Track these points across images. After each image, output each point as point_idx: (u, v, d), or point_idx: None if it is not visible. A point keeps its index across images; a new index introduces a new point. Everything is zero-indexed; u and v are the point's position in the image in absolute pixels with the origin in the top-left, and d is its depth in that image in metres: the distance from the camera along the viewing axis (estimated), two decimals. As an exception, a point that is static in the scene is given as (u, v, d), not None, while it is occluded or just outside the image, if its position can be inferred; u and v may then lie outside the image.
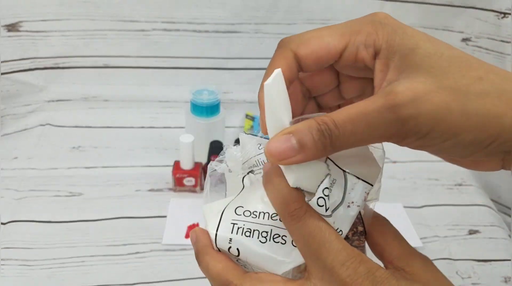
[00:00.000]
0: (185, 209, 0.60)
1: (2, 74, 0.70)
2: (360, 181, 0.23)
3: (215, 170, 0.28)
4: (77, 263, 0.52)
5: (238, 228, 0.23)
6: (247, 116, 0.80)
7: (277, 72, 0.22)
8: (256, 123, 0.79)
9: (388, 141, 0.22)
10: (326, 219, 0.22)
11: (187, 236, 0.56)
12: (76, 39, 0.71)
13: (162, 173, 0.65)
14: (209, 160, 0.62)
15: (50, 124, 0.74)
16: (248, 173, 0.27)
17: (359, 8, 0.74)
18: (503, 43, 0.73)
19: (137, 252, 0.54)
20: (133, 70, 0.75)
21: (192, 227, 0.58)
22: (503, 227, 0.63)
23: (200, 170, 0.62)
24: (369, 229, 0.26)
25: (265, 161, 0.25)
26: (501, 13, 0.71)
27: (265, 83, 0.22)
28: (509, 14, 0.71)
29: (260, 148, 0.26)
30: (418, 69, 0.21)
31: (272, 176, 0.23)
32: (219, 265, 0.24)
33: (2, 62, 0.69)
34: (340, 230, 0.23)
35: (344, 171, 0.23)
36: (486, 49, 0.75)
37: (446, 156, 0.24)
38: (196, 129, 0.64)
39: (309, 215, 0.22)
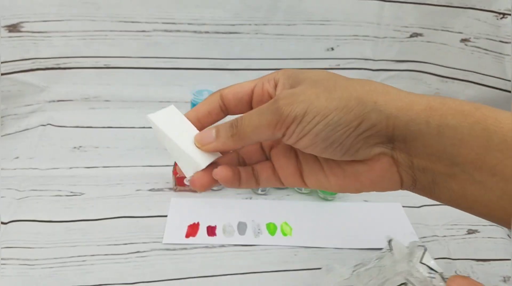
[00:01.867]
0: (185, 209, 0.61)
1: (3, 74, 0.70)
2: None
3: None
4: (78, 262, 0.52)
5: None
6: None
7: (171, 107, 0.35)
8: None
9: (276, 132, 0.27)
10: None
11: (187, 235, 0.56)
12: (77, 40, 0.71)
13: (163, 173, 0.66)
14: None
15: (51, 124, 0.75)
16: None
17: (358, 9, 0.75)
18: (502, 43, 0.73)
19: (138, 252, 0.54)
20: (134, 70, 0.75)
21: (192, 226, 0.58)
22: (502, 227, 0.63)
23: (200, 170, 0.62)
24: None
25: None
26: (500, 13, 0.72)
27: (148, 115, 0.33)
28: (508, 14, 0.71)
29: None
30: (301, 82, 0.27)
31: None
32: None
33: (3, 62, 0.70)
34: None
35: None
36: (485, 49, 0.76)
37: (329, 154, 0.27)
38: (197, 129, 0.64)
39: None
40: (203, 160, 0.30)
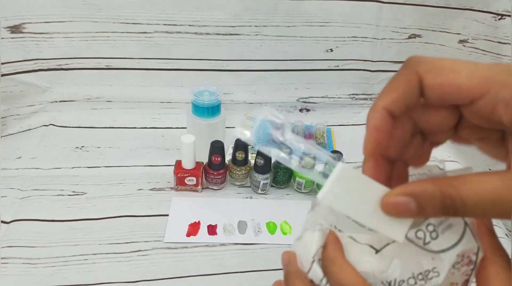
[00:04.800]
0: (186, 208, 0.61)
1: (6, 75, 0.71)
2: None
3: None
4: (80, 261, 0.53)
5: None
6: (247, 116, 0.81)
7: (339, 170, 0.22)
8: (255, 123, 0.80)
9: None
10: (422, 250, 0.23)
11: (188, 234, 0.57)
12: (79, 41, 0.72)
13: (164, 173, 0.66)
14: (210, 160, 0.62)
15: (53, 125, 0.75)
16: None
17: (357, 11, 0.75)
18: (501, 44, 0.74)
19: (139, 250, 0.54)
20: (135, 71, 0.76)
21: (193, 225, 0.58)
22: (500, 226, 0.63)
23: (201, 170, 0.63)
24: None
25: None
26: (498, 14, 0.72)
27: (318, 196, 0.22)
28: (507, 15, 0.72)
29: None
30: None
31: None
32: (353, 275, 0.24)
33: (5, 63, 0.70)
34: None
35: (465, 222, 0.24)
36: (483, 50, 0.76)
37: None
38: (197, 129, 0.65)
39: None
40: (398, 232, 0.22)
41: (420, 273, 0.23)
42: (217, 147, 0.61)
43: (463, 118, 0.22)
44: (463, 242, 0.23)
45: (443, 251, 0.23)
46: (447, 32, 0.78)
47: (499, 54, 0.75)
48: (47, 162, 0.68)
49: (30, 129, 0.74)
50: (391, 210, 0.21)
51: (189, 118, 0.66)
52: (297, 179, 0.64)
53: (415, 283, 0.23)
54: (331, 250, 0.24)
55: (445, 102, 0.21)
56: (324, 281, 0.24)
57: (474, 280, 0.24)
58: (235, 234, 0.58)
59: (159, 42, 0.73)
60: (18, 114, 0.75)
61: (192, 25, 0.73)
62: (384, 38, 0.79)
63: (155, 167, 0.68)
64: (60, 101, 0.77)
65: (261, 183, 0.63)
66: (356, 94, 0.85)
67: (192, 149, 0.60)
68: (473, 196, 0.20)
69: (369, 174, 0.22)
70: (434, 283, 0.23)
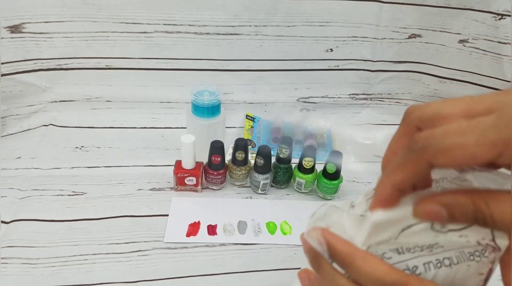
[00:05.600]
0: (186, 208, 0.61)
1: (5, 75, 0.71)
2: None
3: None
4: (80, 261, 0.53)
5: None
6: (247, 116, 0.81)
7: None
8: (255, 124, 0.80)
9: None
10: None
11: (188, 234, 0.57)
12: (79, 41, 0.72)
13: (164, 173, 0.66)
14: (210, 160, 0.62)
15: (53, 125, 0.75)
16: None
17: (357, 10, 0.75)
18: (501, 44, 0.74)
19: (139, 250, 0.54)
20: (135, 71, 0.76)
21: (193, 225, 0.58)
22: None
23: (201, 170, 0.63)
24: None
25: None
26: (498, 14, 0.72)
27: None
28: (507, 15, 0.72)
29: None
30: None
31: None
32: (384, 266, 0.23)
33: (5, 63, 0.70)
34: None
35: None
36: (484, 50, 0.76)
37: None
38: (197, 129, 0.65)
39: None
40: None
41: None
42: (217, 147, 0.61)
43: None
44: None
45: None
46: (447, 32, 0.78)
47: (499, 54, 0.75)
48: (47, 162, 0.68)
49: (30, 129, 0.74)
50: (423, 215, 0.22)
51: (189, 118, 0.66)
52: (297, 179, 0.64)
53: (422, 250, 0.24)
54: (343, 246, 0.24)
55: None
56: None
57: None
58: (235, 234, 0.58)
59: (159, 42, 0.73)
60: (17, 114, 0.75)
61: (192, 25, 0.73)
62: (384, 38, 0.79)
63: (155, 167, 0.68)
64: (60, 101, 0.77)
65: (261, 183, 0.63)
66: (356, 94, 0.85)
67: (192, 149, 0.60)
68: (502, 216, 0.21)
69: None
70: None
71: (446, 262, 0.24)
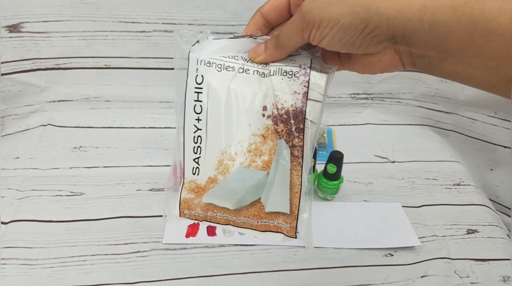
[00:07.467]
0: (185, 209, 0.61)
1: (4, 74, 0.71)
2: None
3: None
4: (79, 262, 0.52)
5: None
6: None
7: None
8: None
9: (304, 36, 0.33)
10: None
11: (187, 235, 0.56)
12: (78, 40, 0.72)
13: (163, 173, 0.66)
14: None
15: (51, 124, 0.75)
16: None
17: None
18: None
19: (138, 251, 0.54)
20: (134, 71, 0.76)
21: (192, 226, 0.58)
22: (501, 227, 0.63)
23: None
24: None
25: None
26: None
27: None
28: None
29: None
30: None
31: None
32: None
33: (4, 62, 0.70)
34: None
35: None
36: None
37: (346, 50, 0.32)
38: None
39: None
40: None
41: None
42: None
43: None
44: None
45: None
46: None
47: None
48: (45, 162, 0.67)
49: (28, 129, 0.74)
50: (251, 54, 0.39)
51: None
52: (297, 179, 0.64)
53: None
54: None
55: (279, 13, 0.37)
56: None
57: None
58: (235, 235, 0.57)
59: (158, 41, 0.73)
60: (16, 114, 0.74)
61: (192, 24, 0.72)
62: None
63: (154, 168, 0.68)
64: (59, 101, 0.76)
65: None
66: (357, 94, 0.85)
67: (192, 149, 0.60)
68: (285, 26, 0.35)
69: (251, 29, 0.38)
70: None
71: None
